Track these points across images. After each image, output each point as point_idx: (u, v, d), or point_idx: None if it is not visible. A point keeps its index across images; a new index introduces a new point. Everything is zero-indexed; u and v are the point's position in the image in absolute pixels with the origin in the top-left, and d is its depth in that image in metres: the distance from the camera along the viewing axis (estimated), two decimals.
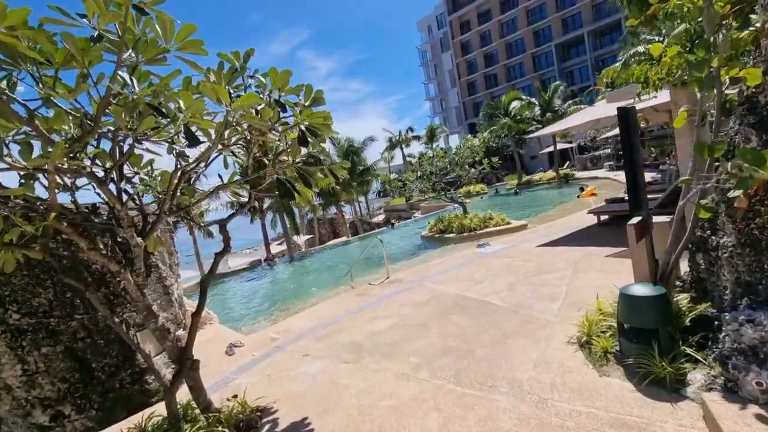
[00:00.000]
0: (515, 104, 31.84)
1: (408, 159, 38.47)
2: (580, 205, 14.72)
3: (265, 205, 22.13)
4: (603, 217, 9.25)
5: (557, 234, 9.02)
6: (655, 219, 4.79)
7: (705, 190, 3.04)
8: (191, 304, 6.87)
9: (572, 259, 6.49)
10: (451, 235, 12.36)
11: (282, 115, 3.25)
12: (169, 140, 2.89)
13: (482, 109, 36.72)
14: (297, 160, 3.92)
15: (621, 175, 22.51)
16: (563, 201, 18.09)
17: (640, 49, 18.33)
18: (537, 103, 31.07)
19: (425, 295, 6.12)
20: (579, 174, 29.39)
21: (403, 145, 40.55)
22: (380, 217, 38.89)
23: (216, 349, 5.52)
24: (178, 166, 3.17)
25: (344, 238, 26.85)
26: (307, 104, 3.30)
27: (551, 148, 40.95)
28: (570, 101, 31.44)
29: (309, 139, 3.27)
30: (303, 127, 3.16)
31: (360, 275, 9.82)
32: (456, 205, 24.19)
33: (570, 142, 37.75)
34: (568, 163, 36.75)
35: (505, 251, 8.24)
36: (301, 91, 3.33)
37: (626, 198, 10.75)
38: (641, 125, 25.18)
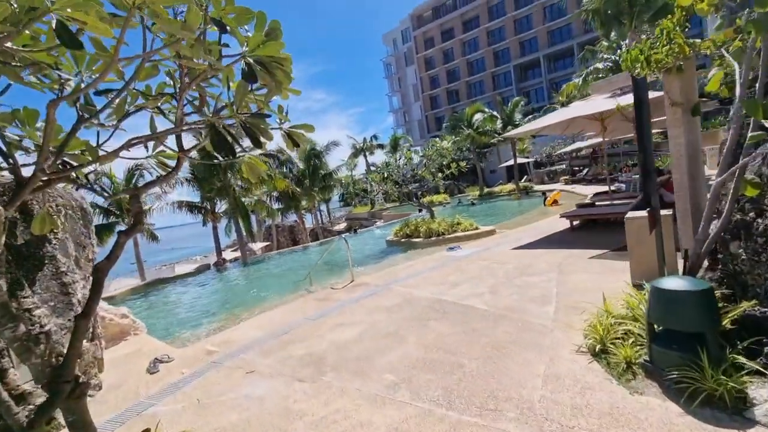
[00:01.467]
0: (478, 116, 32.35)
1: (372, 167, 37.97)
2: (545, 213, 14.67)
3: (219, 208, 20.51)
4: (575, 222, 9.00)
5: (530, 238, 8.61)
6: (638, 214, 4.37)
7: (744, 165, 2.53)
8: (116, 313, 5.64)
9: (554, 261, 6.00)
10: (419, 239, 11.72)
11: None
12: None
13: (446, 120, 37.06)
14: (242, 112, 3.03)
15: (577, 188, 23.30)
16: (526, 210, 18.12)
17: (600, 65, 19.13)
18: (499, 116, 31.72)
19: (396, 300, 5.33)
20: (537, 187, 30.15)
21: (367, 153, 39.98)
22: (342, 226, 37.84)
23: (136, 365, 4.38)
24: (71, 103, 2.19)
25: (304, 245, 25.56)
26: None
27: (510, 162, 42.08)
28: (530, 116, 32.40)
29: (262, 77, 2.41)
30: (250, 60, 2.33)
31: (321, 281, 8.86)
32: (419, 213, 23.83)
33: (527, 158, 38.97)
34: (525, 177, 37.78)
35: (479, 254, 7.67)
36: (252, 20, 2.49)
37: (596, 203, 10.72)
38: (593, 145, 25.95)
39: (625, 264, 4.26)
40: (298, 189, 23.41)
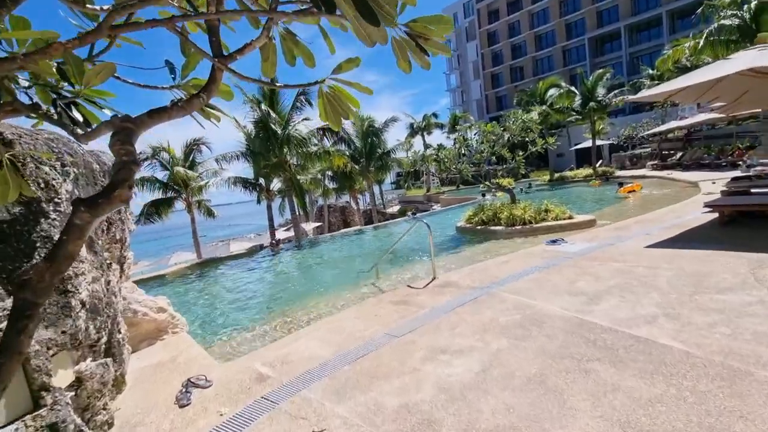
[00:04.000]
0: (552, 92, 29.04)
1: (432, 147, 35.98)
2: (649, 204, 12.19)
3: (274, 185, 19.92)
4: (724, 215, 6.76)
5: (659, 233, 6.59)
6: None
7: None
8: (152, 306, 4.64)
9: (737, 270, 4.10)
10: (498, 227, 9.96)
11: None
12: None
13: (516, 96, 33.91)
14: None
15: (675, 174, 19.88)
16: (614, 199, 15.52)
17: (727, 22, 15.61)
18: (577, 92, 28.17)
19: (512, 314, 3.78)
20: (619, 173, 26.59)
21: (425, 133, 37.94)
22: (395, 208, 36.54)
23: (166, 387, 3.27)
24: None
25: (357, 227, 24.60)
26: None
27: (582, 145, 38.13)
28: (616, 91, 28.41)
29: None
30: None
31: (386, 272, 7.53)
32: (483, 198, 21.78)
33: (602, 140, 34.85)
34: (600, 161, 33.85)
35: (601, 252, 5.84)
36: None
37: (752, 191, 8.27)
38: (689, 126, 22.24)
39: None
40: (355, 167, 22.26)
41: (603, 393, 2.32)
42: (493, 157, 11.62)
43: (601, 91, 27.21)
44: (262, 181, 19.38)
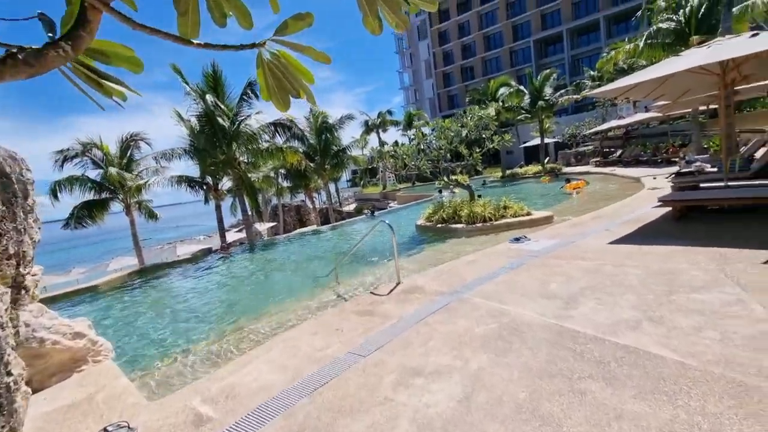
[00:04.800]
0: (503, 91, 29.85)
1: (385, 144, 35.73)
2: (602, 198, 12.66)
3: (223, 184, 18.65)
4: (674, 209, 6.98)
5: (618, 228, 6.67)
6: None
7: None
8: (67, 330, 3.84)
9: (704, 266, 4.08)
10: (459, 225, 9.81)
11: None
12: None
13: (468, 95, 34.49)
14: None
15: (618, 170, 21.06)
16: (565, 195, 16.08)
17: (663, 25, 16.61)
18: (526, 91, 29.14)
19: (488, 323, 3.46)
20: (566, 169, 27.89)
21: (380, 130, 37.63)
22: (351, 207, 35.95)
23: None
24: None
25: (314, 227, 23.78)
26: None
27: (530, 143, 39.73)
28: (561, 91, 29.75)
29: None
30: None
31: (347, 277, 7.05)
32: (440, 195, 21.83)
33: (550, 138, 36.49)
34: (548, 158, 35.43)
35: (566, 249, 5.74)
36: None
37: (701, 186, 8.65)
38: (627, 125, 23.64)
39: None
40: (310, 164, 21.45)
41: (606, 422, 2.01)
42: (448, 155, 11.48)
43: (548, 91, 28.34)
44: (209, 179, 18.07)
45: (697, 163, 10.91)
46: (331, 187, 37.45)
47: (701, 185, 7.82)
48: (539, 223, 9.31)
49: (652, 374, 2.36)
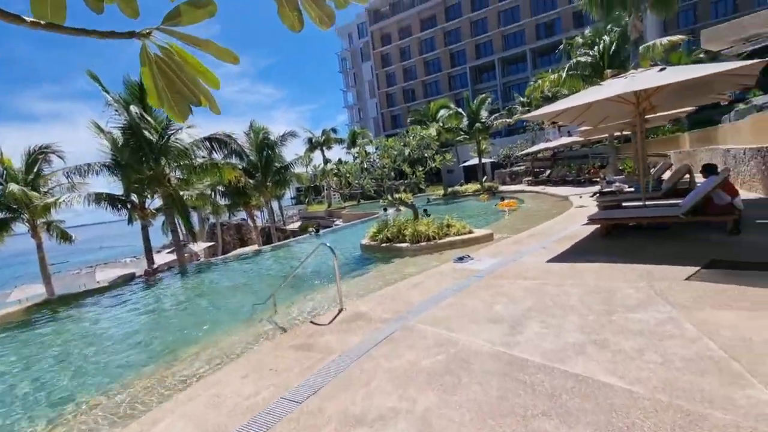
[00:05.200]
0: (443, 112, 31.07)
1: (330, 162, 35.34)
2: (532, 217, 13.31)
3: (152, 203, 17.07)
4: (598, 227, 7.42)
5: (555, 246, 6.93)
6: None
7: None
8: None
9: (637, 284, 4.24)
10: (404, 244, 9.70)
11: None
12: None
13: (410, 116, 35.41)
14: None
15: (549, 189, 22.56)
16: (500, 212, 16.82)
17: (582, 59, 18.31)
18: (464, 114, 30.61)
19: (435, 354, 3.25)
20: (502, 188, 29.44)
21: (324, 147, 37.23)
22: (296, 225, 34.85)
23: None
24: None
25: (255, 247, 22.55)
26: None
27: (469, 162, 41.61)
28: (496, 114, 31.63)
29: None
30: None
31: (287, 302, 6.55)
32: (385, 212, 21.86)
33: (487, 159, 38.50)
34: (485, 177, 37.27)
35: (506, 268, 5.78)
36: None
37: (623, 205, 9.31)
38: (554, 147, 25.58)
39: None
40: (249, 181, 20.45)
41: None
42: (392, 173, 11.47)
43: (484, 114, 29.99)
44: (135, 197, 16.44)
45: (617, 184, 11.91)
46: (275, 204, 36.12)
47: (623, 204, 8.45)
48: (481, 241, 9.49)
49: (603, 406, 2.26)
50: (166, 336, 6.25)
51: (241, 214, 32.51)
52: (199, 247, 27.48)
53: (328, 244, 4.92)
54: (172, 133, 14.43)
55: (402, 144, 11.18)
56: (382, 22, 70.39)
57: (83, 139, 16.15)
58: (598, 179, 20.87)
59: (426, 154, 12.08)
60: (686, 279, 4.25)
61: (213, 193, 23.63)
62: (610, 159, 22.36)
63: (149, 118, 14.14)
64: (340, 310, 4.84)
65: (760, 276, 4.09)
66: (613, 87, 6.83)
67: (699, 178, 11.31)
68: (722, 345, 2.76)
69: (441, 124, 29.23)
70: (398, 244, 9.84)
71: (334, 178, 10.95)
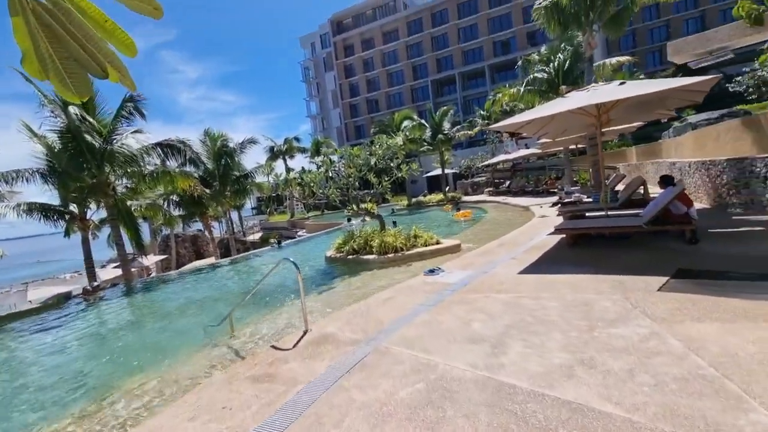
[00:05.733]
0: (406, 123, 31.27)
1: (292, 171, 34.45)
2: (496, 227, 13.44)
3: (93, 213, 15.65)
4: (563, 237, 7.49)
5: (525, 256, 6.88)
6: None
7: None
8: None
9: (612, 296, 4.17)
10: (371, 256, 9.37)
11: None
12: None
13: (373, 126, 35.38)
14: None
15: (510, 200, 23.12)
16: (467, 222, 16.95)
17: (539, 75, 19.02)
18: (427, 125, 30.99)
19: (413, 381, 2.93)
20: (465, 198, 29.92)
21: (286, 157, 36.29)
22: (256, 236, 33.51)
23: None
24: None
25: (212, 260, 21.30)
26: None
27: (433, 173, 42.19)
28: (457, 126, 32.30)
29: None
30: None
31: (245, 323, 6.01)
32: (349, 223, 21.46)
33: (449, 169, 39.22)
34: (448, 187, 37.87)
35: (479, 281, 5.60)
36: None
37: (587, 215, 9.49)
38: (513, 159, 26.47)
39: (761, 306, 2.49)
40: (206, 191, 19.38)
41: None
42: (357, 183, 11.16)
43: (446, 125, 30.51)
44: (74, 207, 15.01)
45: (576, 194, 12.28)
46: (234, 215, 34.57)
47: (587, 214, 8.62)
48: (449, 252, 9.36)
49: None
50: (101, 368, 5.48)
51: (198, 225, 30.87)
52: (151, 260, 25.70)
53: (291, 260, 4.50)
54: (118, 138, 13.33)
55: (368, 153, 10.92)
56: (344, 34, 70.70)
57: (14, 140, 14.57)
58: (555, 190, 21.71)
59: (392, 164, 11.89)
60: (658, 290, 4.22)
61: (166, 203, 22.23)
62: (566, 171, 23.34)
63: (92, 120, 12.99)
64: (305, 332, 4.42)
65: (727, 286, 4.14)
66: (576, 99, 6.95)
67: (652, 190, 11.88)
68: (711, 362, 2.65)
69: (406, 135, 29.36)
70: (365, 256, 9.50)
71: (297, 188, 10.45)
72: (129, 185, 15.27)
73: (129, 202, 16.20)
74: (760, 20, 3.31)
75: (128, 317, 8.92)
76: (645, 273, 4.86)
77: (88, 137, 12.62)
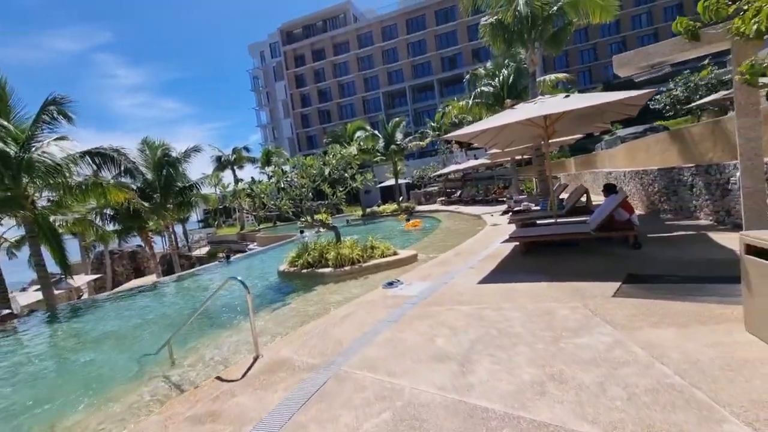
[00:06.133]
0: (359, 134, 31.23)
1: (241, 182, 33.00)
2: (450, 235, 13.59)
3: (5, 230, 13.83)
4: (516, 244, 7.63)
5: (476, 264, 6.90)
6: None
7: None
8: None
9: (569, 303, 4.20)
10: (327, 269, 9.00)
11: None
12: None
13: (326, 137, 34.97)
14: None
15: (462, 209, 23.65)
16: (421, 232, 17.07)
17: (485, 89, 19.77)
18: (380, 135, 31.17)
19: (377, 410, 2.66)
20: (419, 207, 30.28)
21: (235, 167, 34.73)
22: (204, 250, 31.57)
23: None
24: None
25: (153, 278, 19.64)
26: None
27: (386, 183, 42.45)
28: (409, 137, 32.78)
29: None
30: None
31: (186, 350, 5.42)
32: (302, 235, 20.83)
33: (402, 180, 39.66)
34: (402, 197, 38.21)
35: (439, 293, 5.47)
36: None
37: (538, 223, 9.75)
38: (463, 169, 27.22)
39: (708, 308, 2.59)
40: (144, 204, 17.92)
41: None
42: (310, 194, 10.78)
43: (399, 136, 30.87)
44: None
45: (525, 203, 12.74)
46: (178, 228, 32.32)
47: (538, 222, 8.89)
48: (406, 263, 9.22)
49: None
50: (8, 419, 4.64)
51: (137, 240, 28.51)
52: (82, 280, 23.27)
53: (239, 278, 4.08)
54: (39, 145, 11.91)
55: (322, 163, 10.59)
56: (295, 44, 69.94)
57: None
58: (503, 198, 22.57)
59: (346, 174, 11.65)
60: (613, 296, 4.32)
61: (98, 218, 20.28)
62: (513, 180, 24.39)
63: (6, 125, 11.51)
64: (256, 358, 4.00)
65: (674, 289, 4.32)
66: (525, 111, 7.16)
67: (595, 198, 12.58)
68: (676, 370, 2.65)
69: (360, 144, 29.30)
70: (321, 270, 9.11)
71: (247, 199, 9.86)
72: (52, 198, 13.69)
73: (53, 218, 14.52)
74: (697, 36, 3.50)
75: (46, 349, 7.82)
76: (598, 279, 4.99)
77: (1, 144, 11.14)
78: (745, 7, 3.19)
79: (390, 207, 31.55)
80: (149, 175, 19.81)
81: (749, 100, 3.48)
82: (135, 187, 18.61)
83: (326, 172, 10.58)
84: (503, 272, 6.23)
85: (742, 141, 3.47)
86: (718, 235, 6.75)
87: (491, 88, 19.73)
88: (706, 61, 11.85)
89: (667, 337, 3.13)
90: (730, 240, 6.19)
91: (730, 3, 3.30)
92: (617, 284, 4.68)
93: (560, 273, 5.58)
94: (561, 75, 20.95)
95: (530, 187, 25.90)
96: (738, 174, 3.49)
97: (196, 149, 21.47)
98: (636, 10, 52.82)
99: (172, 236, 26.76)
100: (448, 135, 7.81)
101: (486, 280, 5.81)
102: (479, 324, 4.01)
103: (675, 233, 7.55)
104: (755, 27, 2.96)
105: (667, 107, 24.44)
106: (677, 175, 9.19)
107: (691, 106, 23.57)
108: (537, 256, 7.02)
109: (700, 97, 24.05)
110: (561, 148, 31.23)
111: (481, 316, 4.23)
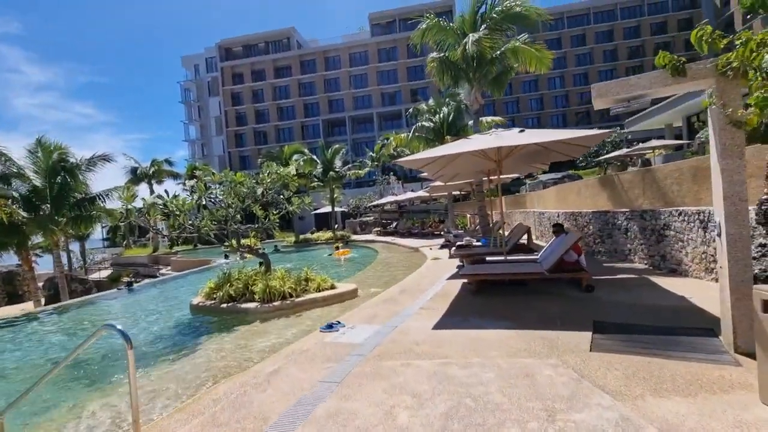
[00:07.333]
0: (296, 157, 30.07)
1: (158, 197, 29.55)
2: (389, 267, 12.89)
3: None
4: (467, 282, 7.09)
5: (426, 304, 6.19)
6: None
7: None
8: None
9: (550, 362, 3.58)
10: (252, 304, 7.65)
11: None
12: None
13: (260, 158, 33.15)
14: None
15: (398, 240, 23.24)
16: (358, 262, 16.22)
17: (426, 123, 20.04)
18: (318, 161, 30.27)
19: None
20: (354, 236, 29.43)
21: (153, 181, 31.14)
22: (105, 273, 27.20)
23: None
24: None
25: (28, 306, 16.02)
26: None
27: (321, 210, 41.22)
28: (348, 165, 32.28)
29: None
30: None
31: (38, 422, 3.83)
32: (226, 260, 18.75)
33: (338, 208, 38.80)
34: (337, 225, 37.16)
35: (390, 341, 4.58)
36: None
37: (487, 260, 9.31)
38: (400, 201, 27.23)
39: (704, 370, 2.13)
40: (23, 215, 14.83)
41: None
42: (239, 215, 9.45)
43: (338, 164, 30.23)
44: None
45: (467, 238, 12.53)
46: (76, 246, 27.63)
47: (488, 259, 8.51)
48: (345, 298, 8.25)
49: None
50: None
51: (14, 259, 23.62)
52: None
53: (119, 326, 2.83)
54: None
55: (254, 181, 9.37)
56: (234, 61, 67.62)
57: None
58: (440, 232, 22.66)
59: (282, 196, 10.51)
60: (591, 350, 3.79)
61: None
62: (449, 215, 24.76)
63: None
64: None
65: (650, 342, 3.91)
66: (481, 141, 6.84)
67: (537, 238, 12.71)
68: None
69: (298, 166, 28.07)
70: (245, 305, 7.73)
71: (158, 216, 8.23)
72: None
73: None
74: (683, 71, 3.26)
75: None
76: (564, 327, 4.50)
77: None
78: (737, 42, 2.97)
79: (324, 235, 30.30)
80: (38, 182, 16.61)
81: (734, 142, 3.26)
82: (15, 195, 15.39)
83: (259, 191, 9.36)
84: (458, 315, 5.54)
85: (726, 185, 3.18)
86: (659, 279, 6.81)
87: (432, 124, 20.06)
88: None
89: (681, 411, 2.57)
90: (672, 285, 6.21)
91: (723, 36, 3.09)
92: (588, 334, 4.20)
93: (521, 318, 5.04)
94: (498, 118, 22.05)
95: (464, 222, 26.50)
96: (718, 220, 3.14)
97: (105, 157, 18.60)
98: (576, 69, 59.52)
99: (64, 255, 22.65)
100: (401, 160, 7.22)
101: (442, 325, 5.06)
102: (448, 389, 3.18)
103: (618, 276, 7.57)
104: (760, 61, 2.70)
105: (579, 158, 26.99)
106: (612, 219, 9.51)
107: (599, 159, 26.21)
108: (489, 297, 6.49)
109: (607, 152, 26.96)
110: (496, 187, 32.88)
111: (448, 376, 3.41)
